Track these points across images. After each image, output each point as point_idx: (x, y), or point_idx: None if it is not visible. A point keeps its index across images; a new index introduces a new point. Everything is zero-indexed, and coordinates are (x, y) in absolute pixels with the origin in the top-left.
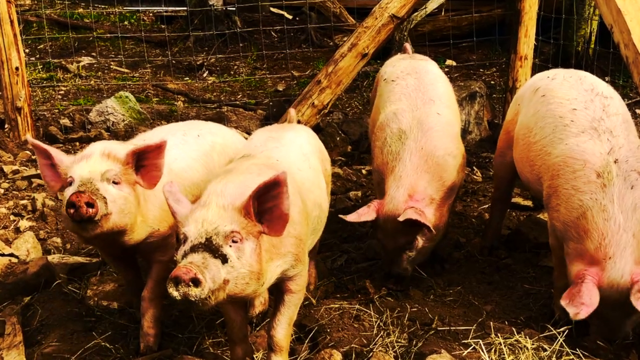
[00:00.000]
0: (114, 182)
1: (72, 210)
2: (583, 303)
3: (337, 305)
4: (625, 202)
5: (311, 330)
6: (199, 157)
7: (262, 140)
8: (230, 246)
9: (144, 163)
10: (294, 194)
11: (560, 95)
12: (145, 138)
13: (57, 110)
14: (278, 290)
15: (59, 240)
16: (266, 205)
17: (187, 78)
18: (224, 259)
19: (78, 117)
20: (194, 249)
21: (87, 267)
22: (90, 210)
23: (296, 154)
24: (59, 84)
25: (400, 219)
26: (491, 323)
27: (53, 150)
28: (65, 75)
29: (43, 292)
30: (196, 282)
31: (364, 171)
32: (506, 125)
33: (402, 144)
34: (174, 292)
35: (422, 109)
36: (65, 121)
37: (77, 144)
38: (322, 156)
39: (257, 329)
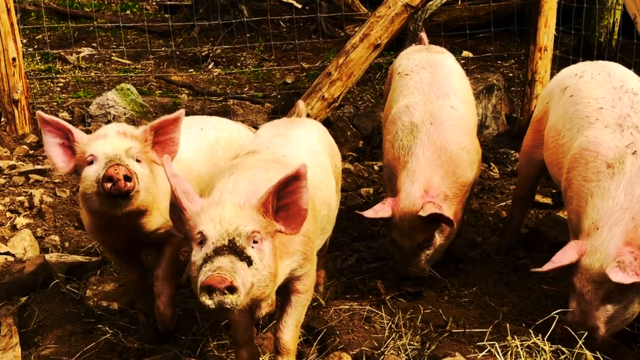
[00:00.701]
0: (137, 160)
1: (109, 185)
2: (552, 261)
3: (347, 307)
4: (634, 189)
5: (320, 332)
6: (203, 150)
7: (268, 137)
8: (252, 247)
9: (159, 139)
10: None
11: (587, 95)
12: None
13: (55, 103)
14: (285, 291)
15: (57, 238)
16: (283, 201)
17: (192, 70)
18: (249, 262)
19: (77, 110)
20: (218, 251)
21: (86, 267)
22: (129, 184)
23: (304, 151)
24: (58, 76)
25: (422, 214)
26: (508, 325)
27: (72, 127)
28: (65, 67)
29: (40, 292)
30: (232, 289)
31: (376, 167)
32: (534, 123)
33: (413, 138)
34: (208, 301)
35: (436, 102)
36: (64, 115)
37: None
38: (332, 152)
39: (264, 331)
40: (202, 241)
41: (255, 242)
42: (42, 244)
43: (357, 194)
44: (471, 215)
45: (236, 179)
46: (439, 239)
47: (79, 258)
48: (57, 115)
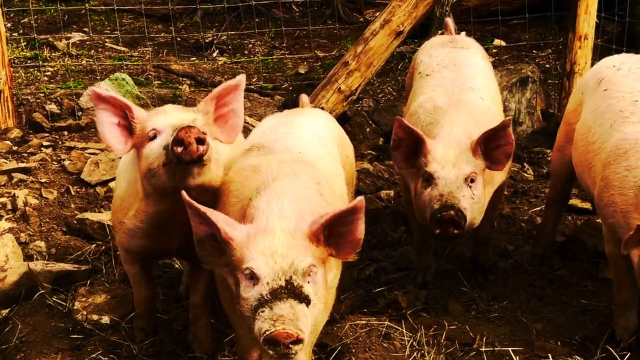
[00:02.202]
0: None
1: (180, 149)
2: None
3: (364, 322)
4: None
5: (334, 350)
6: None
7: (271, 126)
8: (309, 282)
9: (220, 113)
10: (332, 192)
11: (622, 90)
12: None
13: (43, 95)
14: None
15: (42, 244)
16: (338, 229)
17: (194, 58)
18: (308, 302)
19: (67, 102)
20: (276, 295)
21: (75, 276)
22: (201, 147)
23: (312, 139)
24: (46, 64)
25: (475, 142)
26: (542, 344)
27: (131, 103)
28: (53, 54)
29: (24, 304)
30: (298, 342)
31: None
32: (567, 116)
33: (437, 121)
34: (270, 352)
35: (460, 94)
36: (53, 107)
37: (66, 133)
38: (342, 142)
39: None
40: (253, 277)
41: (311, 273)
42: (27, 250)
43: (376, 197)
44: (502, 221)
45: (279, 198)
46: (483, 186)
47: (67, 267)
48: (45, 108)
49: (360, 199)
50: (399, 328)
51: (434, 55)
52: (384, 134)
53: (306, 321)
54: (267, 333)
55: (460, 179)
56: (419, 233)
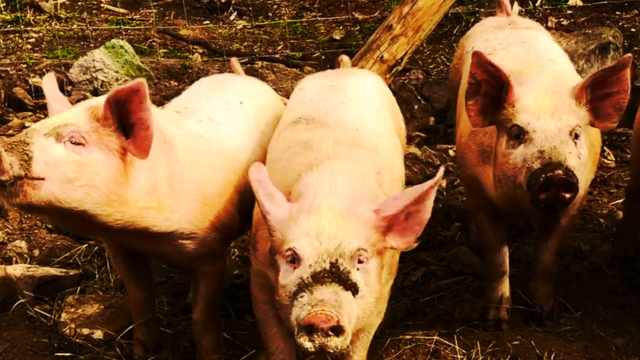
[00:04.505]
0: (72, 142)
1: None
2: None
3: (408, 337)
4: None
5: None
6: (250, 132)
7: (318, 92)
8: (358, 269)
9: (131, 120)
10: (393, 183)
11: None
12: (177, 107)
13: (24, 66)
14: None
15: (23, 244)
16: (404, 219)
17: (207, 22)
18: (355, 290)
19: (54, 74)
20: (318, 278)
21: (61, 282)
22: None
23: (368, 111)
24: (29, 29)
25: (580, 84)
26: None
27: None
28: (37, 17)
29: (1, 315)
30: (338, 330)
31: (451, 152)
32: None
33: (517, 79)
34: (307, 343)
35: (538, 66)
36: (37, 80)
37: None
38: (394, 110)
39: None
40: (294, 259)
41: (360, 261)
42: (4, 251)
43: None
44: None
45: (332, 175)
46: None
47: (52, 271)
48: (27, 81)
49: (430, 183)
50: (450, 344)
51: (490, 39)
52: (435, 112)
53: (350, 310)
54: (303, 318)
55: (564, 132)
56: (492, 232)
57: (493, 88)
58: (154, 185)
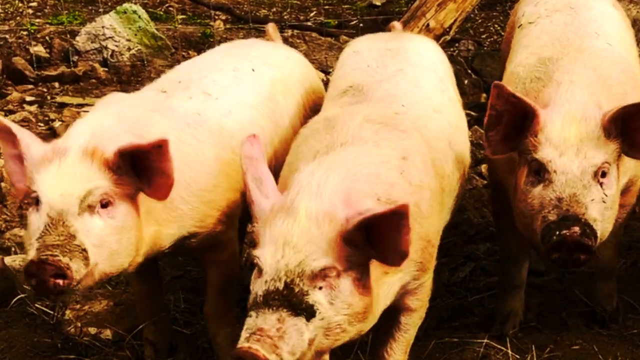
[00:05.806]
0: (102, 206)
1: (34, 282)
2: None
3: (455, 339)
4: None
5: None
6: (259, 105)
7: (375, 56)
8: (321, 288)
9: (147, 164)
10: (427, 169)
11: None
12: (168, 83)
13: (25, 33)
14: (388, 310)
15: (22, 233)
16: (380, 231)
17: None
18: (310, 314)
19: (58, 43)
20: (267, 300)
21: None
22: (61, 282)
23: (430, 80)
24: None
25: (612, 113)
26: None
27: (21, 132)
28: None
29: None
30: None
31: None
32: None
33: (547, 75)
34: None
35: (578, 40)
36: (39, 49)
37: (57, 85)
38: (454, 81)
39: None
40: (260, 268)
41: (326, 279)
42: (2, 241)
43: (475, 172)
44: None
45: (328, 170)
46: (616, 183)
47: None
48: (28, 50)
49: (403, 204)
50: (502, 348)
51: (541, 2)
52: (487, 88)
53: (297, 341)
54: (237, 348)
55: (588, 174)
56: (513, 242)
57: (517, 116)
58: (147, 208)
